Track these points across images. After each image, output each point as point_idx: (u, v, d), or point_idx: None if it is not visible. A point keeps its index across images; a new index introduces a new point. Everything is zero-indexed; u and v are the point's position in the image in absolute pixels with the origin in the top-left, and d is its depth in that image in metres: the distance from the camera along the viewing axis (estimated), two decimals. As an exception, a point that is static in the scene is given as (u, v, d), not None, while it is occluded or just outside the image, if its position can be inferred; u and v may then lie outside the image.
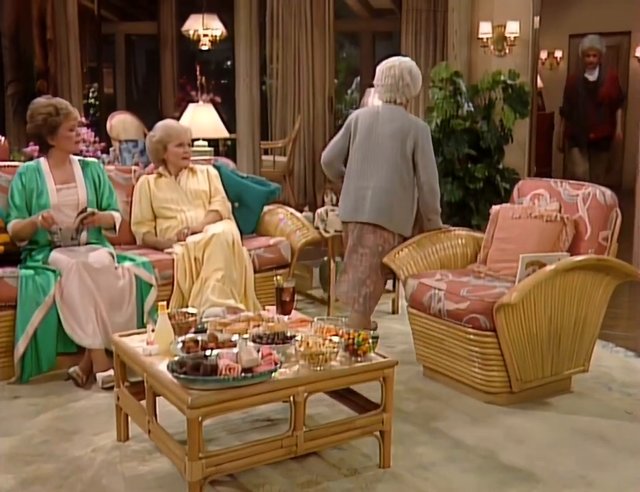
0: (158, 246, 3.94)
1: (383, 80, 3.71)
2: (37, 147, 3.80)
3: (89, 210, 3.55)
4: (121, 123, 7.65)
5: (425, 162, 3.66)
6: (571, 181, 3.63)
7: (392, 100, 3.72)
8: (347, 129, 3.79)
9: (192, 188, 4.12)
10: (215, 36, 8.61)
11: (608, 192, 3.39)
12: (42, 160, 3.66)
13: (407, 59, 3.79)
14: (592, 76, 7.00)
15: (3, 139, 4.80)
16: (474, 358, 3.17)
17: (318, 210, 4.47)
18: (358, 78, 10.91)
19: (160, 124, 4.21)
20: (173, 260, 3.74)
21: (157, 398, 2.56)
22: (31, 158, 4.11)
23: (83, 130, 3.84)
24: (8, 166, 3.83)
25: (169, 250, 3.83)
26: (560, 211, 3.44)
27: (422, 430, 2.94)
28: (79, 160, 3.73)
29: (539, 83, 8.84)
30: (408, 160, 3.66)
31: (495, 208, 3.67)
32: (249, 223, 4.34)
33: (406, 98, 3.74)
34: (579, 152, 7.18)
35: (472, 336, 3.15)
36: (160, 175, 4.13)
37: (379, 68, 3.75)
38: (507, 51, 6.32)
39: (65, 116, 3.56)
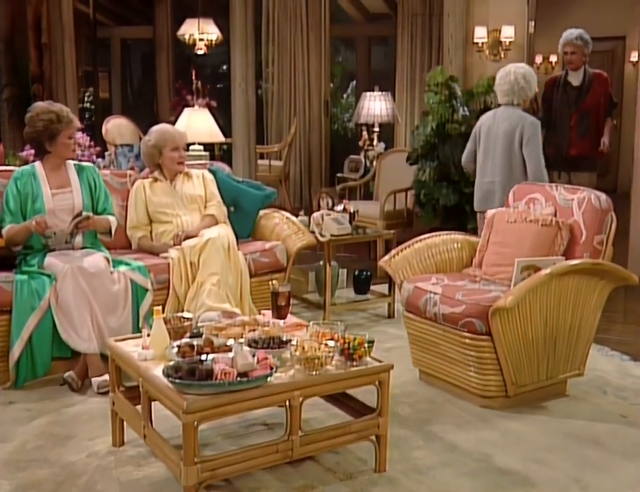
0: (154, 250, 3.93)
1: (501, 85, 4.28)
2: (32, 151, 3.80)
3: (84, 214, 3.55)
4: (116, 127, 7.65)
5: (529, 153, 4.18)
6: (566, 185, 3.64)
7: (509, 102, 4.29)
8: (474, 134, 4.51)
9: (187, 192, 4.12)
10: (211, 40, 8.62)
11: (603, 196, 3.40)
12: (37, 164, 3.66)
13: (522, 64, 4.41)
14: (576, 80, 5.24)
15: (-2, 143, 4.79)
16: (470, 362, 3.17)
17: (314, 215, 4.48)
18: (354, 82, 10.93)
19: (155, 128, 4.19)
20: (168, 264, 3.73)
21: (153, 402, 2.55)
22: (26, 163, 4.10)
23: (79, 134, 3.83)
24: (3, 170, 3.83)
25: (164, 254, 3.83)
26: (555, 215, 3.44)
27: (417, 434, 2.95)
28: (75, 164, 3.73)
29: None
30: (518, 153, 4.22)
31: (490, 212, 3.68)
32: (245, 227, 4.33)
33: (523, 99, 4.30)
34: (557, 175, 5.19)
35: (467, 340, 3.15)
36: (155, 179, 4.12)
37: (498, 75, 4.35)
38: (502, 56, 6.33)
39: (66, 124, 3.57)
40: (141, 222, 4.06)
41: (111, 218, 3.74)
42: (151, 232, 4.08)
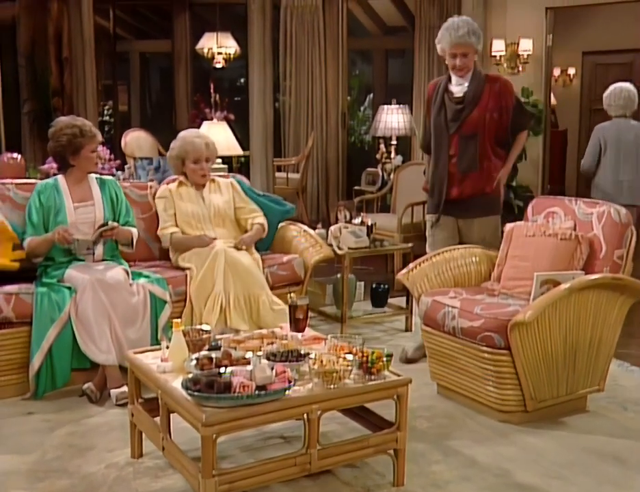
0: (190, 243, 3.86)
1: (615, 101, 5.03)
2: (53, 164, 3.84)
3: (110, 223, 3.57)
4: (135, 140, 7.71)
5: None
6: (586, 199, 3.62)
7: (623, 114, 5.04)
8: (598, 142, 5.06)
9: (215, 203, 4.02)
10: (229, 54, 8.69)
11: (623, 210, 3.38)
12: (60, 177, 3.69)
13: (628, 84, 5.07)
14: (459, 89, 3.82)
15: (19, 156, 4.85)
16: (489, 376, 3.16)
17: (332, 227, 4.48)
18: (371, 95, 10.95)
19: (181, 134, 4.08)
20: (186, 276, 3.74)
21: (171, 414, 2.57)
22: (47, 176, 4.15)
23: (99, 147, 3.85)
24: (25, 183, 3.86)
25: (208, 245, 3.78)
26: (574, 229, 3.42)
27: (436, 449, 2.93)
28: (97, 178, 3.77)
29: (553, 100, 8.83)
30: None
31: (509, 225, 3.66)
32: (265, 240, 4.33)
33: (630, 112, 5.04)
34: (436, 223, 3.99)
35: (486, 354, 3.14)
36: (181, 183, 4.04)
37: (609, 92, 5.06)
38: (520, 69, 6.34)
39: (90, 138, 3.61)
40: (172, 221, 3.97)
41: (133, 230, 3.76)
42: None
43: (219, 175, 4.32)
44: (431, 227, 4.03)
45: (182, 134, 4.06)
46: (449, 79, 3.90)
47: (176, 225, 3.97)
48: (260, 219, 4.10)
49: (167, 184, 4.10)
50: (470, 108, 3.79)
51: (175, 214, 3.97)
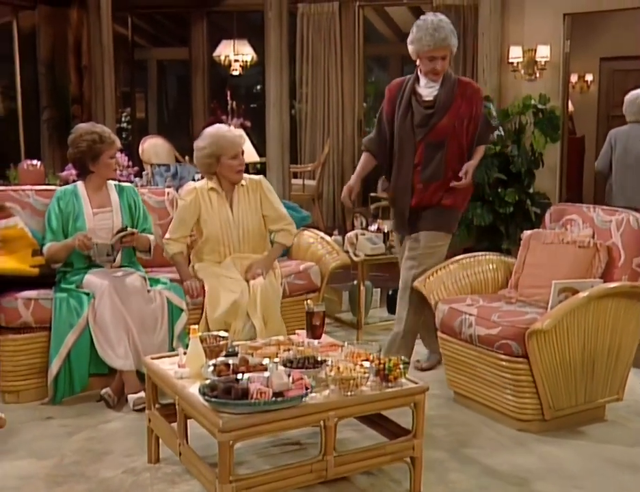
0: (181, 274, 3.73)
1: (630, 107, 5.30)
2: (72, 171, 3.87)
3: (129, 229, 3.58)
4: (152, 147, 7.74)
5: None
6: (604, 206, 3.59)
7: (636, 120, 5.28)
8: (609, 143, 5.37)
9: (245, 221, 3.78)
10: (246, 61, 8.72)
11: (642, 217, 3.36)
12: (80, 184, 3.72)
13: None
14: (429, 91, 3.53)
15: (39, 163, 4.89)
16: (506, 384, 3.14)
17: (348, 234, 4.48)
18: (387, 101, 10.95)
19: (209, 132, 3.74)
20: (203, 286, 3.71)
21: (188, 420, 2.57)
22: (66, 182, 4.18)
23: (117, 154, 3.86)
24: (44, 190, 3.89)
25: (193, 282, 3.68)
26: (593, 237, 3.40)
27: (453, 457, 2.92)
28: (115, 185, 3.79)
29: (570, 107, 8.78)
30: None
31: (527, 233, 3.64)
32: (282, 248, 4.33)
33: None
34: (399, 237, 3.92)
35: (503, 362, 3.12)
36: (212, 189, 3.77)
37: (626, 98, 5.33)
38: (538, 75, 6.30)
39: (109, 145, 3.62)
40: (182, 235, 3.77)
41: (151, 237, 3.76)
42: (189, 244, 3.89)
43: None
44: (400, 243, 3.93)
45: (209, 131, 3.75)
46: (417, 80, 3.58)
47: (188, 236, 3.80)
48: (282, 234, 3.89)
49: (195, 182, 3.87)
50: (440, 114, 3.50)
51: (198, 218, 3.74)
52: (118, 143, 3.71)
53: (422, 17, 3.55)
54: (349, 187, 3.72)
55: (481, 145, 3.66)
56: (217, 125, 3.89)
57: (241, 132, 3.91)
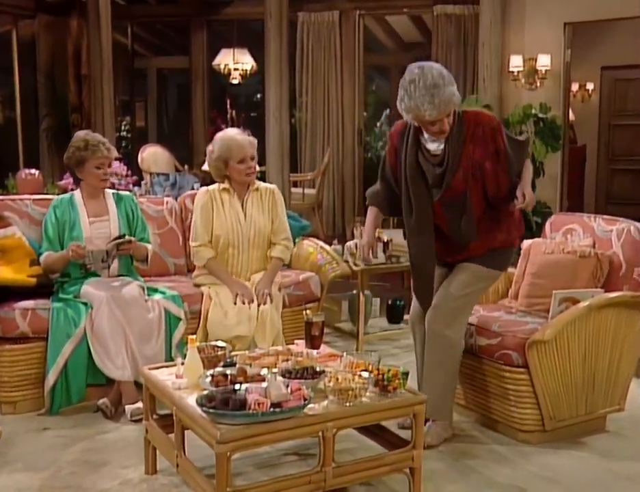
0: (225, 281, 3.60)
1: None
2: (71, 180, 3.86)
3: (127, 237, 3.56)
4: (152, 156, 7.75)
5: None
6: (605, 216, 3.58)
7: None
8: None
9: (257, 223, 3.72)
10: (246, 70, 8.73)
11: (643, 227, 3.34)
12: (77, 192, 3.71)
13: None
14: (435, 145, 3.01)
15: (37, 172, 4.88)
16: (507, 395, 3.12)
17: (348, 244, 4.45)
18: (387, 110, 10.96)
19: (219, 136, 3.73)
20: (202, 294, 3.70)
21: (186, 431, 2.55)
22: (65, 191, 4.16)
23: (116, 163, 3.83)
24: (42, 199, 3.88)
25: (237, 301, 3.52)
26: (594, 246, 3.38)
27: (452, 468, 2.89)
28: (114, 194, 3.77)
29: (571, 116, 8.78)
30: None
31: (527, 242, 3.62)
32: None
33: None
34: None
35: (504, 373, 3.10)
36: (225, 189, 3.74)
37: None
38: (538, 84, 6.31)
39: (92, 153, 3.57)
40: (206, 238, 3.67)
41: (149, 246, 3.74)
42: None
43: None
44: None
45: (220, 135, 3.73)
46: (419, 130, 3.02)
47: (211, 240, 3.71)
48: (279, 251, 3.77)
49: (209, 189, 3.78)
50: (453, 171, 2.97)
51: (212, 226, 3.69)
52: (106, 153, 3.61)
53: (408, 76, 2.89)
54: (368, 245, 3.25)
55: (522, 164, 3.08)
56: (230, 129, 3.89)
57: (253, 138, 3.78)
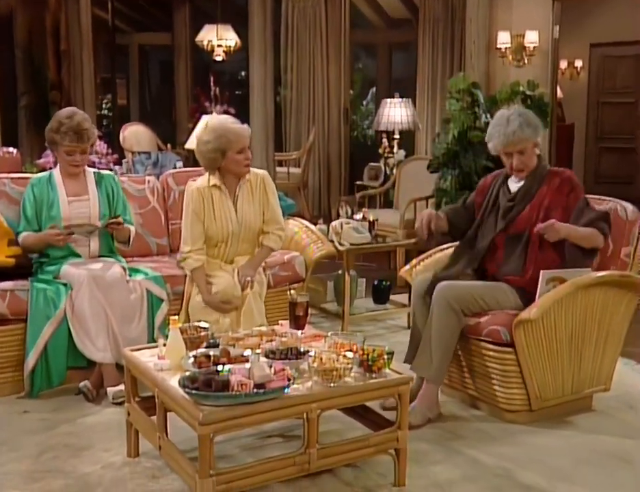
0: (202, 293, 3.43)
1: None
2: (50, 159, 3.79)
3: (120, 218, 3.50)
4: (134, 134, 7.66)
5: None
6: (591, 196, 3.54)
7: None
8: None
9: (248, 220, 3.53)
10: (229, 47, 8.60)
11: (630, 207, 3.32)
12: (55, 171, 3.63)
13: None
14: (515, 186, 3.29)
15: (15, 150, 4.80)
16: (493, 375, 3.11)
17: (333, 223, 4.42)
18: (374, 89, 10.88)
19: (213, 125, 3.49)
20: (185, 276, 3.63)
21: (168, 413, 2.52)
22: (43, 170, 4.08)
23: (98, 143, 3.72)
24: (20, 178, 3.81)
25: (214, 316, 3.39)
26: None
27: (438, 449, 2.88)
28: (95, 173, 3.70)
29: (559, 94, 8.74)
30: None
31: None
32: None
33: None
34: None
35: (490, 352, 3.09)
36: (215, 186, 3.51)
37: None
38: (526, 61, 6.26)
39: (62, 138, 3.47)
40: (197, 244, 3.46)
41: (131, 228, 3.66)
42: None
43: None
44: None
45: (215, 124, 3.49)
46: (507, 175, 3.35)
47: (203, 244, 3.51)
48: (272, 241, 3.61)
49: (195, 183, 3.56)
50: (520, 206, 3.20)
51: (203, 227, 3.50)
52: (80, 142, 3.46)
53: (498, 112, 3.36)
54: (429, 215, 3.32)
55: (597, 235, 3.10)
56: (223, 116, 3.67)
57: (247, 126, 3.61)
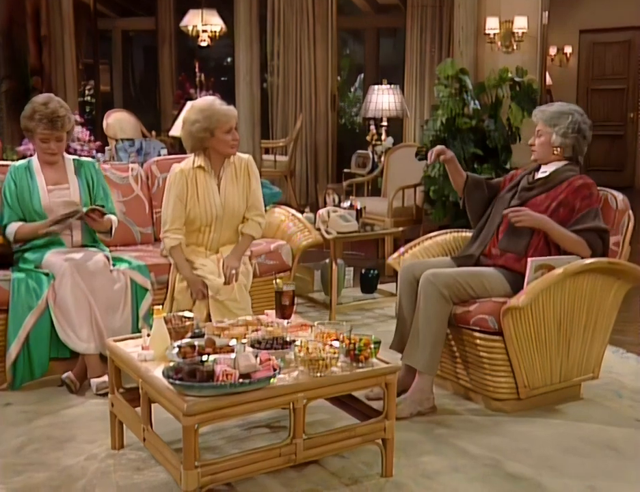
0: (182, 273, 3.47)
1: None
2: (30, 146, 3.72)
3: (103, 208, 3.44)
4: (117, 122, 7.58)
5: None
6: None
7: None
8: None
9: (231, 203, 3.55)
10: (214, 32, 8.51)
11: (620, 196, 3.30)
12: (34, 158, 3.57)
13: None
14: (540, 174, 3.35)
15: (-5, 137, 4.73)
16: (481, 363, 3.09)
17: (320, 211, 4.39)
18: (362, 75, 10.83)
19: (201, 104, 3.51)
20: (170, 264, 3.61)
21: (153, 404, 2.49)
22: (24, 157, 4.02)
23: (78, 128, 3.66)
24: (0, 165, 3.74)
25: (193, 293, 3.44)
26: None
27: (426, 439, 2.86)
28: (74, 160, 3.63)
29: (548, 80, 8.73)
30: None
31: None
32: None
33: None
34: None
35: (478, 341, 3.07)
36: (200, 167, 3.53)
37: None
38: (515, 47, 6.22)
39: (36, 125, 3.40)
40: (176, 224, 3.50)
41: (113, 218, 3.58)
42: None
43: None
44: None
45: (202, 104, 3.51)
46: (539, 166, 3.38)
47: (183, 224, 3.53)
48: (251, 229, 3.62)
49: (179, 164, 3.58)
50: (538, 191, 3.25)
51: (185, 209, 3.52)
52: (53, 130, 3.39)
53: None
54: (441, 148, 3.48)
55: (578, 235, 3.11)
56: (209, 97, 3.65)
57: (233, 107, 3.62)
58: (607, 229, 3.16)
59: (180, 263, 3.49)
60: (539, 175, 3.33)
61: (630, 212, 3.27)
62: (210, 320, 3.29)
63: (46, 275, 3.32)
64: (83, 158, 3.72)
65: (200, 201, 3.51)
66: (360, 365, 2.49)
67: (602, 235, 3.14)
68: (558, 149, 3.26)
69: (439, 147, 3.48)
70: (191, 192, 3.50)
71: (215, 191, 3.54)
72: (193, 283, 3.45)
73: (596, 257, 3.10)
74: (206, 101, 3.56)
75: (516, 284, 3.10)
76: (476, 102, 5.68)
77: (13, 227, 3.43)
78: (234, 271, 3.46)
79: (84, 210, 3.39)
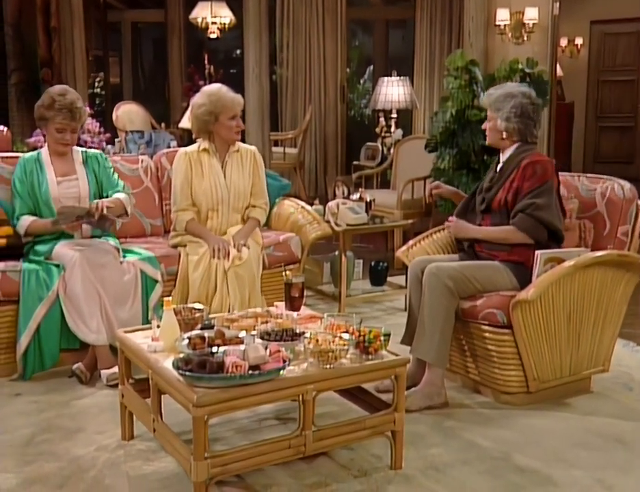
0: (204, 238, 3.55)
1: None
2: (40, 137, 3.73)
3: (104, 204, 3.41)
4: (127, 113, 7.59)
5: None
6: (589, 174, 3.51)
7: None
8: None
9: (236, 185, 3.67)
10: (224, 24, 8.50)
11: (627, 185, 3.28)
12: (44, 151, 3.58)
13: None
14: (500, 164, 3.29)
15: (5, 129, 4.72)
16: (490, 357, 3.08)
17: (329, 203, 4.38)
18: (371, 67, 10.79)
19: (209, 90, 3.66)
20: (179, 255, 3.62)
21: (163, 395, 2.50)
22: (34, 149, 4.03)
23: (87, 120, 3.67)
24: (10, 157, 3.76)
25: (215, 260, 3.47)
26: (577, 210, 3.32)
27: (435, 431, 2.86)
28: (82, 152, 3.64)
29: (559, 72, 8.67)
30: None
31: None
32: (262, 217, 4.23)
33: None
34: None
35: (488, 334, 3.06)
36: (204, 150, 3.67)
37: None
38: (525, 38, 6.18)
39: (55, 115, 3.41)
40: (183, 203, 3.63)
41: (122, 196, 3.57)
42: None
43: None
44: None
45: (210, 89, 3.66)
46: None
47: (194, 205, 3.66)
48: (258, 214, 3.76)
49: (185, 148, 3.73)
50: (495, 190, 3.20)
51: (191, 189, 3.65)
52: (72, 121, 3.42)
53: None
54: (438, 184, 3.53)
55: (512, 222, 3.10)
56: (218, 84, 3.78)
57: (240, 95, 3.76)
58: (541, 204, 3.03)
59: (200, 232, 3.60)
60: (499, 167, 3.25)
61: (639, 201, 3.25)
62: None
63: (57, 266, 3.33)
64: (91, 150, 3.73)
65: (205, 180, 3.62)
66: (370, 357, 2.49)
67: (532, 213, 3.04)
68: (504, 133, 3.18)
69: (432, 184, 3.54)
70: (195, 171, 3.63)
71: (219, 173, 3.66)
72: (218, 242, 3.50)
73: (538, 234, 3.05)
74: (215, 87, 3.71)
75: (523, 277, 3.08)
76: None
77: (25, 222, 3.44)
78: (242, 241, 3.55)
79: (95, 216, 3.34)
